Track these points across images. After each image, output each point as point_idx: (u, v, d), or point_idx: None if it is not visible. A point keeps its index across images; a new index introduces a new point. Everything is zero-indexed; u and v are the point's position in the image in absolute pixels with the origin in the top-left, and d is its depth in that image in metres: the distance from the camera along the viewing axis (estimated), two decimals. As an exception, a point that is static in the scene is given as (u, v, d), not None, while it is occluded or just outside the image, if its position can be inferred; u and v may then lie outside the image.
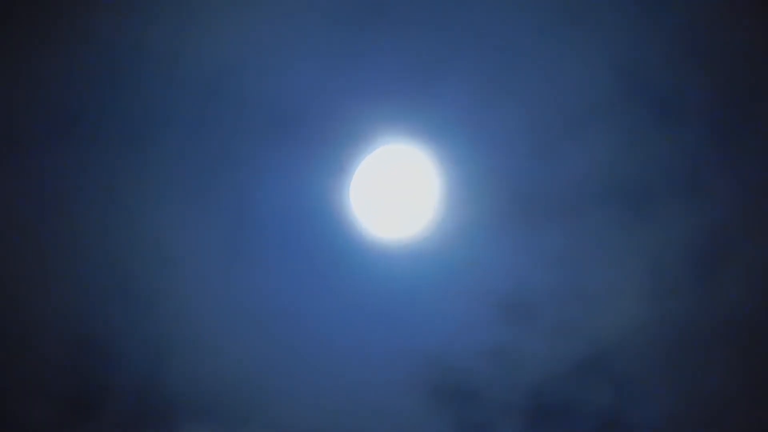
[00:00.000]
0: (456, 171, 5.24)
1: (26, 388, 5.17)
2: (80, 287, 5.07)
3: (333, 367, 5.18)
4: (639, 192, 5.32)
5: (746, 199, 5.24)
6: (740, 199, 5.25)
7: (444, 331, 5.20)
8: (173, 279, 5.06)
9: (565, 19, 5.28)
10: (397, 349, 5.25)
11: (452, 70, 5.26)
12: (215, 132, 5.10)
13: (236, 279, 5.05)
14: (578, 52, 5.30)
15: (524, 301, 5.27)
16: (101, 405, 5.21)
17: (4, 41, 4.85)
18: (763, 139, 5.27)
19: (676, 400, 5.26)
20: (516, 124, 5.19)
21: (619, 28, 5.31)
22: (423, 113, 5.26)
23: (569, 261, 5.30)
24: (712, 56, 5.22)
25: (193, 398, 5.14)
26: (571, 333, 5.29)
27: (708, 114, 5.24)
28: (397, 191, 5.31)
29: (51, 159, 4.91)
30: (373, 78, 5.19)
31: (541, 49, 5.29)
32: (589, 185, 5.26)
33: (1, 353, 5.15)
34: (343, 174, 5.19)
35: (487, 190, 5.22)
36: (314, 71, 5.19)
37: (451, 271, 5.24)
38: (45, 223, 5.01)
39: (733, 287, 5.24)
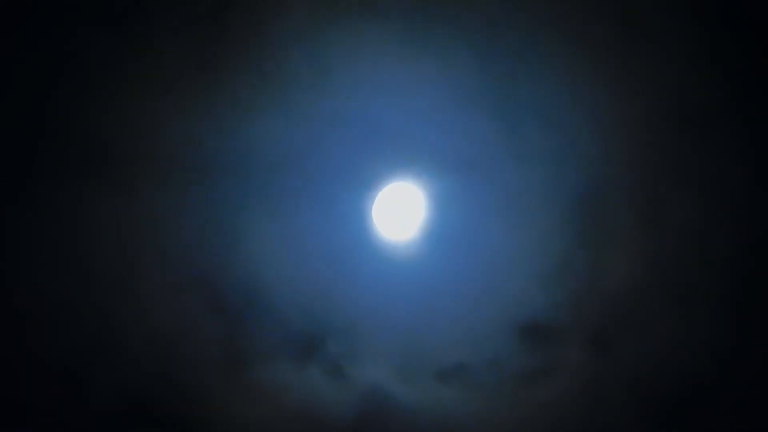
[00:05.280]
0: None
1: (275, 336, 8.64)
2: (306, 273, 8.60)
3: (451, 312, 8.55)
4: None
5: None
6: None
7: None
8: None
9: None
10: (492, 305, 8.58)
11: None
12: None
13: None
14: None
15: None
16: (318, 347, 8.63)
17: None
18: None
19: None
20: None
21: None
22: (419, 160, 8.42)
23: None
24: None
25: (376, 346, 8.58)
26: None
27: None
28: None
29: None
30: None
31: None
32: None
33: (260, 317, 8.56)
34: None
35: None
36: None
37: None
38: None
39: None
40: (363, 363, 8.68)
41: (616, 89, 8.32)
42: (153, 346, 8.36)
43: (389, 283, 8.61)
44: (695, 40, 8.18)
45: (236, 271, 8.49)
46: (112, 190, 8.16)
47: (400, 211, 8.66)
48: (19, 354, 8.20)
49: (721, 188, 8.36)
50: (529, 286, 8.57)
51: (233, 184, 8.31)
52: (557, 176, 8.48)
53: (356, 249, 8.58)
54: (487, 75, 8.19)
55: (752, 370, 8.29)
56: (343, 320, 8.61)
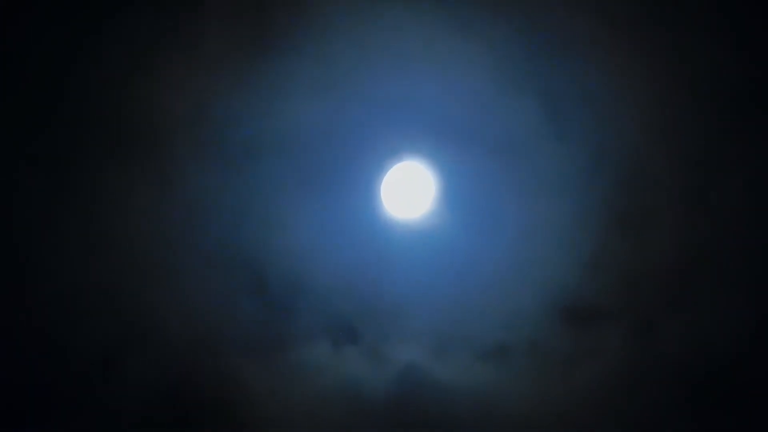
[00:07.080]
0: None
1: (313, 317, 8.71)
2: (344, 254, 8.61)
3: (492, 294, 8.55)
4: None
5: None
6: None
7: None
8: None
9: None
10: (532, 286, 8.56)
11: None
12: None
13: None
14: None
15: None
16: (356, 328, 8.72)
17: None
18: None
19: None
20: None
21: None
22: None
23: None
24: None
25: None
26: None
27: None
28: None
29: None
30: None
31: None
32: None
33: (299, 298, 8.69)
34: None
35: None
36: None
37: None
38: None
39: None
40: (401, 343, 8.71)
41: (660, 71, 8.28)
42: (193, 327, 8.43)
43: (429, 265, 8.63)
44: (739, 26, 8.12)
45: (275, 252, 8.54)
46: (152, 172, 8.24)
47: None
48: (57, 338, 8.26)
49: (764, 172, 8.33)
50: (571, 268, 8.55)
51: (273, 165, 8.34)
52: (599, 157, 8.44)
53: (395, 231, 8.57)
54: (528, 57, 8.14)
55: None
56: (382, 301, 8.66)
